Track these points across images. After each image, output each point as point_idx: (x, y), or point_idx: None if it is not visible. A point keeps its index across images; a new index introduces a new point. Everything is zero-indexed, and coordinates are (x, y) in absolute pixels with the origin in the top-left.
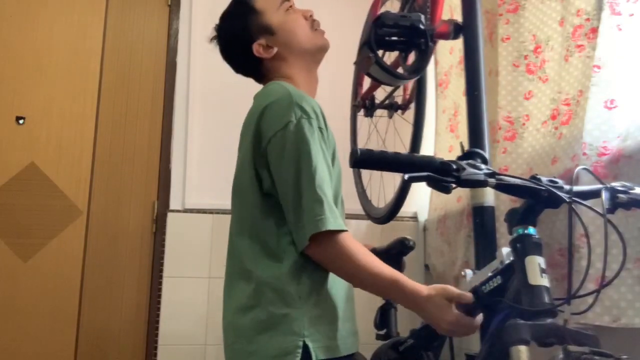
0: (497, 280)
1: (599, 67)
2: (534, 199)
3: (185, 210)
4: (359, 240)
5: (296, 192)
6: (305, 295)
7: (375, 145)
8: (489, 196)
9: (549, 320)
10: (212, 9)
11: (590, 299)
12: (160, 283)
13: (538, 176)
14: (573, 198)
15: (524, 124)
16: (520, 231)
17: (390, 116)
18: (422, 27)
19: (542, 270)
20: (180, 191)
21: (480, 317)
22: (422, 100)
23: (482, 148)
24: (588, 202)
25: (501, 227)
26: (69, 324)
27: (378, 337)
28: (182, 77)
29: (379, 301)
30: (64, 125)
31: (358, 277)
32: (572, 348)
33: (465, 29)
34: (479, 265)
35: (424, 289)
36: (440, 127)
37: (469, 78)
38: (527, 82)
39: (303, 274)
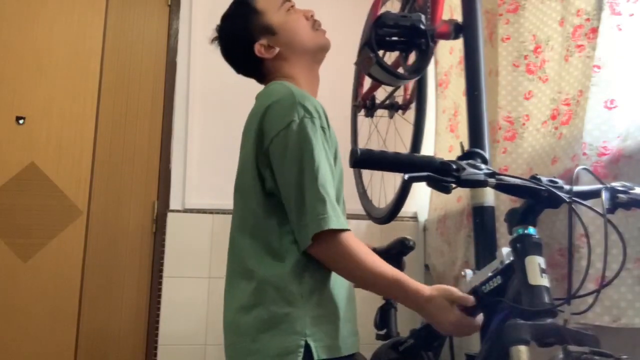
0: (497, 280)
1: (599, 67)
2: (534, 199)
3: (185, 210)
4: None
5: (299, 192)
6: (307, 294)
7: (375, 145)
8: (489, 196)
9: (549, 320)
10: (212, 9)
11: (590, 299)
12: (160, 283)
13: (538, 176)
14: (573, 198)
15: (524, 124)
16: (520, 231)
17: (391, 116)
18: (422, 27)
19: (542, 270)
20: (180, 191)
21: (480, 317)
22: (422, 100)
23: (482, 148)
24: (588, 202)
25: (501, 227)
26: (69, 324)
27: (378, 337)
28: (182, 77)
29: (379, 301)
30: (64, 125)
31: (360, 276)
32: (572, 348)
33: (465, 29)
34: (479, 265)
35: (426, 289)
36: (440, 127)
37: (469, 78)
38: (527, 82)
39: (305, 273)
